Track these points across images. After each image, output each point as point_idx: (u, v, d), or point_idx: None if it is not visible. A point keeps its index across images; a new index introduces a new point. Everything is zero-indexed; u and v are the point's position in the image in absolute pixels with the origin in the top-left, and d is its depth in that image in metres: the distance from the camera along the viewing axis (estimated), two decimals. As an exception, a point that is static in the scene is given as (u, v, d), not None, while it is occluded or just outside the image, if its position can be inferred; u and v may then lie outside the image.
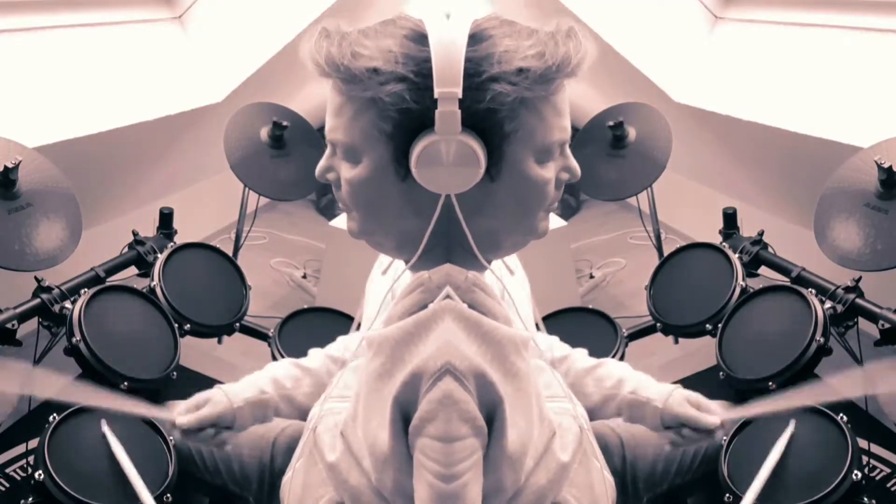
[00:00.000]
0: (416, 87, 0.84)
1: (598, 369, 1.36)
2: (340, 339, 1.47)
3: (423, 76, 0.84)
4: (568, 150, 0.96)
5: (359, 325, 1.27)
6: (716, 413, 1.26)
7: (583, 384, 1.34)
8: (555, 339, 1.47)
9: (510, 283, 1.24)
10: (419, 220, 0.91)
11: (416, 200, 0.90)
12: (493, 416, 0.86)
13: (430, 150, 0.84)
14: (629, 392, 1.30)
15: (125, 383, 1.68)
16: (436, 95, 0.82)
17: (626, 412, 1.31)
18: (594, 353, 2.04)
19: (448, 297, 0.91)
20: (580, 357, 1.41)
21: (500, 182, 0.90)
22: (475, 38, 0.85)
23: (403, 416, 0.86)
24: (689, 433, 1.26)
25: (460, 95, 0.82)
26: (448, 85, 0.82)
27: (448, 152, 0.84)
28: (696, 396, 1.28)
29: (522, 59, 0.85)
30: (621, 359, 2.08)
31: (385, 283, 1.25)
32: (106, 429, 1.41)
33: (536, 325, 1.27)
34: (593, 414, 1.31)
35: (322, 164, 0.96)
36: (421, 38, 0.85)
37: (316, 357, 1.40)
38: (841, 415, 1.50)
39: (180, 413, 1.26)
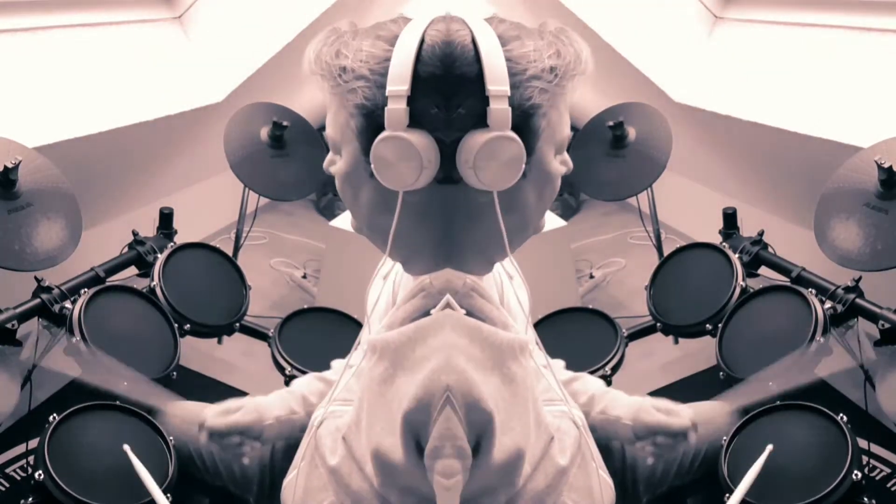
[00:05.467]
0: (374, 85, 0.85)
1: (574, 383, 1.35)
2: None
3: (379, 75, 0.84)
4: None
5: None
6: (684, 415, 1.26)
7: None
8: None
9: (508, 286, 1.24)
10: (400, 218, 0.90)
11: (385, 197, 0.89)
12: (481, 434, 0.86)
13: (379, 148, 0.84)
14: (598, 412, 1.30)
15: (125, 383, 1.67)
16: (387, 92, 0.83)
17: (599, 431, 1.31)
18: (594, 353, 2.06)
19: (448, 303, 0.91)
20: (557, 369, 1.40)
21: (529, 178, 0.90)
22: (503, 39, 0.86)
23: (414, 432, 0.86)
24: (664, 440, 1.26)
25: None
26: (398, 83, 0.82)
27: (392, 151, 0.84)
28: (665, 403, 1.29)
29: (549, 57, 0.86)
30: (621, 359, 2.08)
31: (387, 287, 1.25)
32: (127, 448, 1.41)
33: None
34: None
35: (329, 156, 0.97)
36: (393, 39, 0.86)
37: (339, 369, 1.39)
38: (841, 415, 1.50)
39: (213, 415, 1.26)
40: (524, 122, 0.86)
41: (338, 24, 0.91)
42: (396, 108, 0.83)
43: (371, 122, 0.86)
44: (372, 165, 0.85)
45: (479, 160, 0.84)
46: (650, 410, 1.27)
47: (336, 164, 0.94)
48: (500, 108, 0.83)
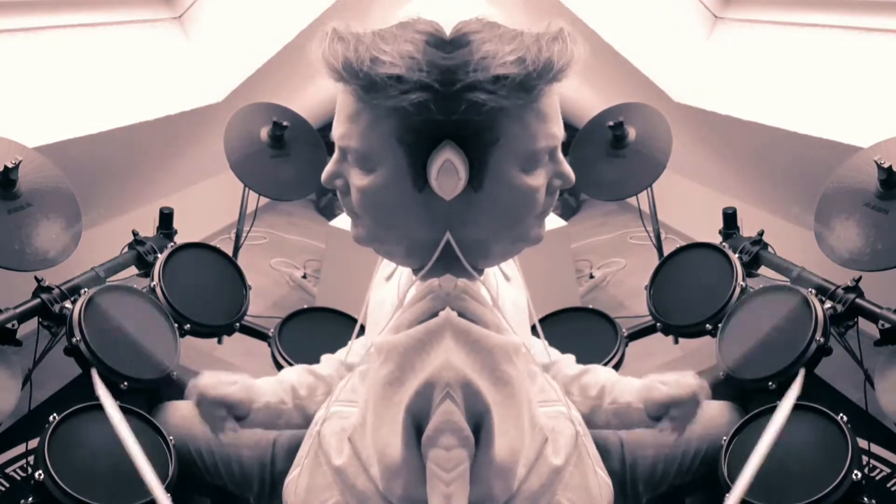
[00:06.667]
0: (442, 97, 0.81)
1: (584, 377, 1.35)
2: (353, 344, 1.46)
3: (447, 85, 0.81)
4: (559, 156, 0.93)
5: (361, 329, 1.26)
6: (689, 379, 1.24)
7: (569, 392, 1.33)
8: (543, 343, 1.46)
9: (505, 288, 1.24)
10: (432, 229, 0.90)
11: (432, 210, 0.88)
12: (480, 425, 0.86)
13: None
14: (609, 403, 1.29)
15: (125, 383, 1.67)
16: None
17: (614, 422, 1.30)
18: (594, 353, 2.06)
19: (448, 307, 0.91)
20: (567, 363, 1.39)
21: (483, 192, 0.87)
22: (453, 44, 0.83)
23: (416, 425, 0.86)
24: (678, 412, 1.24)
25: None
26: None
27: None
28: (669, 376, 1.26)
29: (500, 65, 0.82)
30: (621, 359, 2.08)
31: (390, 289, 1.25)
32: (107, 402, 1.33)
33: (533, 328, 1.26)
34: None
35: (330, 169, 0.92)
36: (443, 44, 0.83)
37: (329, 364, 1.39)
38: (841, 415, 1.50)
39: (207, 379, 1.24)
40: (467, 133, 0.83)
41: (333, 24, 0.86)
42: None
43: (432, 133, 0.83)
44: (436, 178, 0.83)
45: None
46: (657, 387, 1.25)
47: (356, 179, 0.90)
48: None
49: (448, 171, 0.83)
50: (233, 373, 1.30)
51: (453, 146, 0.82)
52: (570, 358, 1.42)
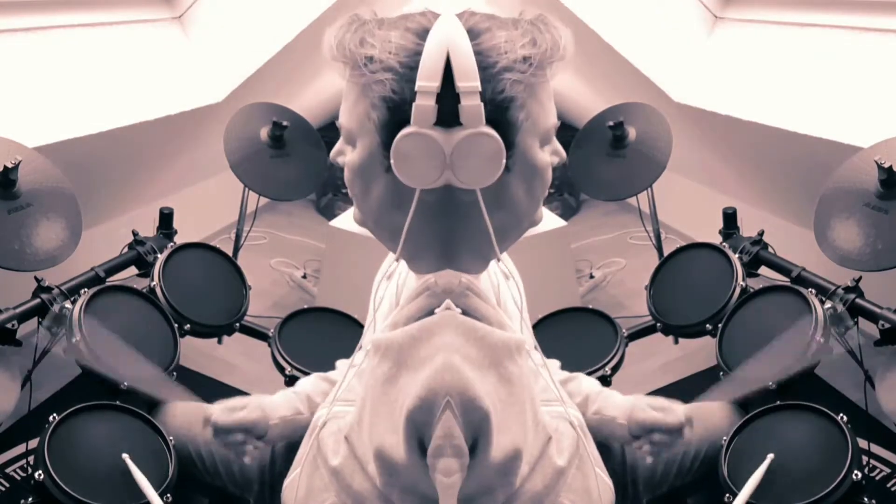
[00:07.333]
0: (402, 79, 0.83)
1: (569, 384, 1.35)
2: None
3: (409, 68, 0.83)
4: (553, 134, 0.95)
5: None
6: (678, 411, 1.25)
7: None
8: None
9: (505, 286, 1.24)
10: (405, 214, 0.89)
11: (399, 193, 0.88)
12: (479, 432, 0.86)
13: (403, 143, 0.83)
14: (593, 413, 1.30)
15: (125, 383, 1.67)
16: (416, 88, 0.81)
17: (594, 432, 1.30)
18: (594, 353, 2.06)
19: (449, 303, 0.91)
20: (552, 370, 1.39)
21: (513, 172, 0.88)
22: (473, 32, 0.84)
23: (417, 430, 0.86)
24: (660, 437, 1.26)
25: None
26: (428, 79, 0.80)
27: (417, 147, 0.83)
28: (659, 400, 1.28)
29: (522, 47, 0.85)
30: (621, 359, 2.08)
31: (388, 287, 1.25)
32: (127, 457, 1.40)
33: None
34: None
35: (336, 146, 0.96)
36: (423, 32, 0.84)
37: (343, 369, 1.39)
38: (841, 415, 1.50)
39: (219, 411, 1.26)
40: (500, 115, 0.84)
41: (358, 11, 0.89)
42: (426, 105, 0.81)
43: (395, 115, 0.84)
44: (392, 160, 0.84)
45: (456, 159, 0.83)
46: (644, 408, 1.27)
47: (347, 155, 0.92)
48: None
49: (401, 155, 0.83)
50: (244, 396, 1.31)
51: (488, 130, 0.83)
52: (555, 363, 1.42)
